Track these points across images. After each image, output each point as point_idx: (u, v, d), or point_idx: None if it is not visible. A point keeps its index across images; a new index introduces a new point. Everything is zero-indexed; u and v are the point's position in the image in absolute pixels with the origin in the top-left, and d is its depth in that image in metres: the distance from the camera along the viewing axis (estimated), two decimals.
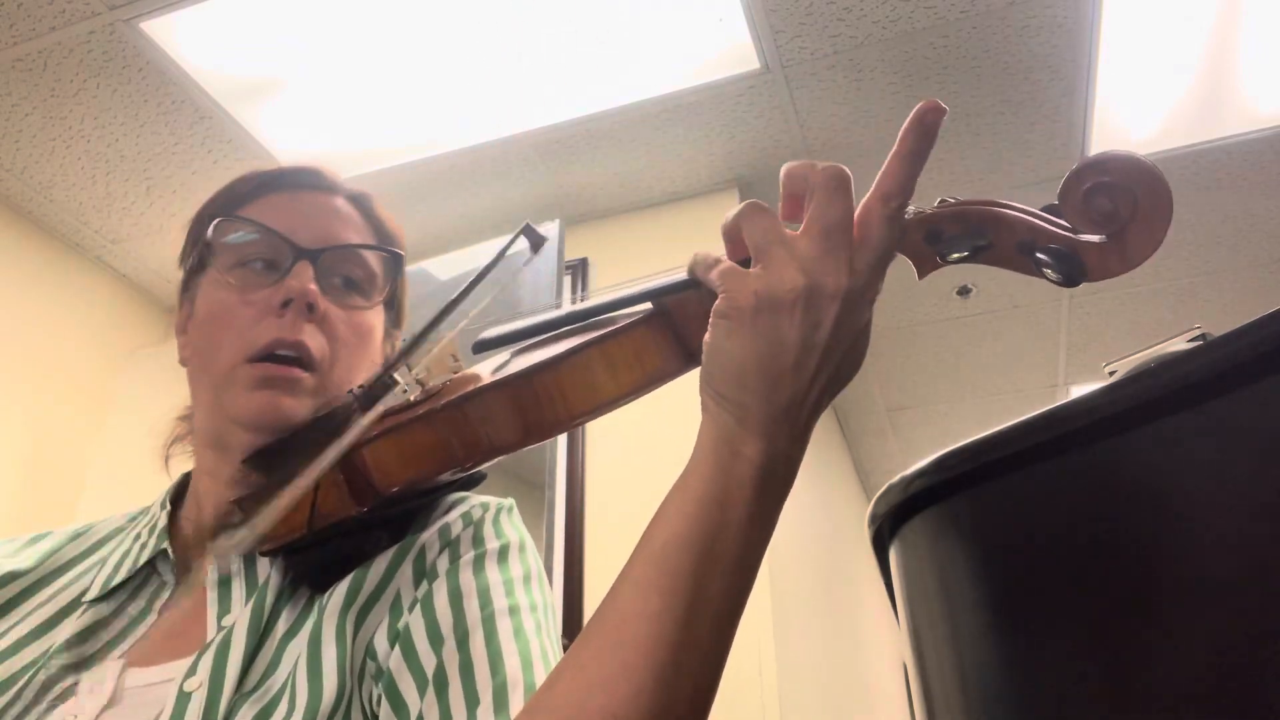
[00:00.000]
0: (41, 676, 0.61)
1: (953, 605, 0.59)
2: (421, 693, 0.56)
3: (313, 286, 0.68)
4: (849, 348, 0.50)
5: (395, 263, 0.76)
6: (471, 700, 0.54)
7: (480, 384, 0.56)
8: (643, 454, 2.14)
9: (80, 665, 0.62)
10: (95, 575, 0.69)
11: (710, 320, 0.50)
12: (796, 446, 0.50)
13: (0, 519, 2.41)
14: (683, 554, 0.47)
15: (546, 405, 0.54)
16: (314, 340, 0.67)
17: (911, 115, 0.49)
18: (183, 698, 0.57)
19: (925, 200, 0.53)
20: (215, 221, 0.72)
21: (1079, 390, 0.68)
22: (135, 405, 2.65)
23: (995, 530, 0.57)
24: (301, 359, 0.67)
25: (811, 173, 0.50)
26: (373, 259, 0.74)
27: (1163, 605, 0.47)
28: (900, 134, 0.49)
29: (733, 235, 0.52)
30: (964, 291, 3.09)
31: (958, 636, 0.58)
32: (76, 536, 0.75)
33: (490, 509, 0.68)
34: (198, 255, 0.73)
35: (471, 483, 0.71)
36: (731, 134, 2.36)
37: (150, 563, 0.69)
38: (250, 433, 0.67)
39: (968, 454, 0.57)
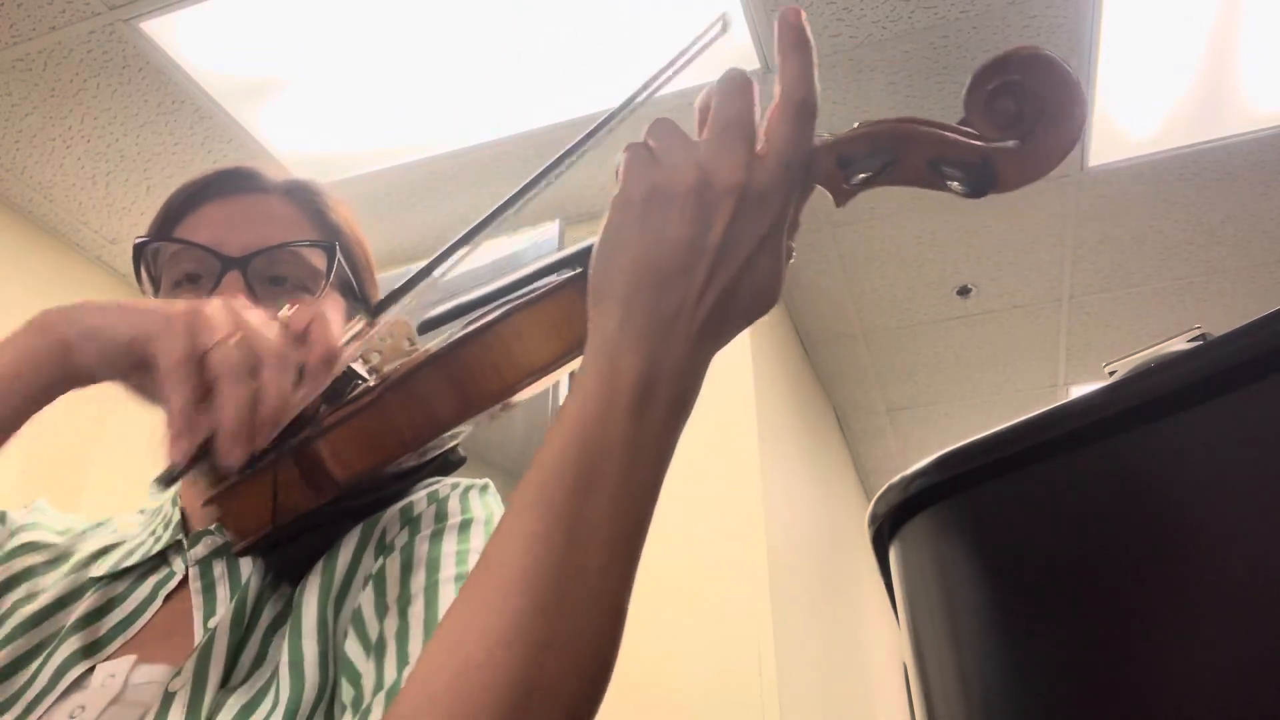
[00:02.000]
0: (56, 660, 0.61)
1: (953, 605, 0.59)
2: (365, 662, 0.56)
3: (240, 298, 0.66)
4: (748, 262, 0.46)
5: (334, 253, 0.73)
6: (403, 662, 0.53)
7: (411, 363, 0.55)
8: None
9: (91, 649, 0.63)
10: (111, 556, 0.71)
11: (608, 212, 0.48)
12: (685, 364, 0.46)
13: None
14: (561, 475, 0.44)
15: (479, 376, 0.53)
16: None
17: (777, 26, 0.49)
18: (167, 697, 0.58)
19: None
20: (139, 247, 0.72)
21: (1079, 390, 0.68)
22: (135, 405, 2.65)
23: (995, 530, 0.57)
24: None
25: (714, 85, 0.49)
26: (310, 254, 0.71)
27: (1163, 605, 0.47)
28: (776, 42, 0.49)
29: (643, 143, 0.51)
30: (964, 291, 3.09)
31: (958, 636, 0.58)
32: (97, 528, 0.77)
33: (460, 487, 0.68)
34: (151, 281, 0.73)
35: (448, 467, 0.70)
36: None
37: (162, 554, 0.70)
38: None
39: (968, 454, 0.57)
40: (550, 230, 2.10)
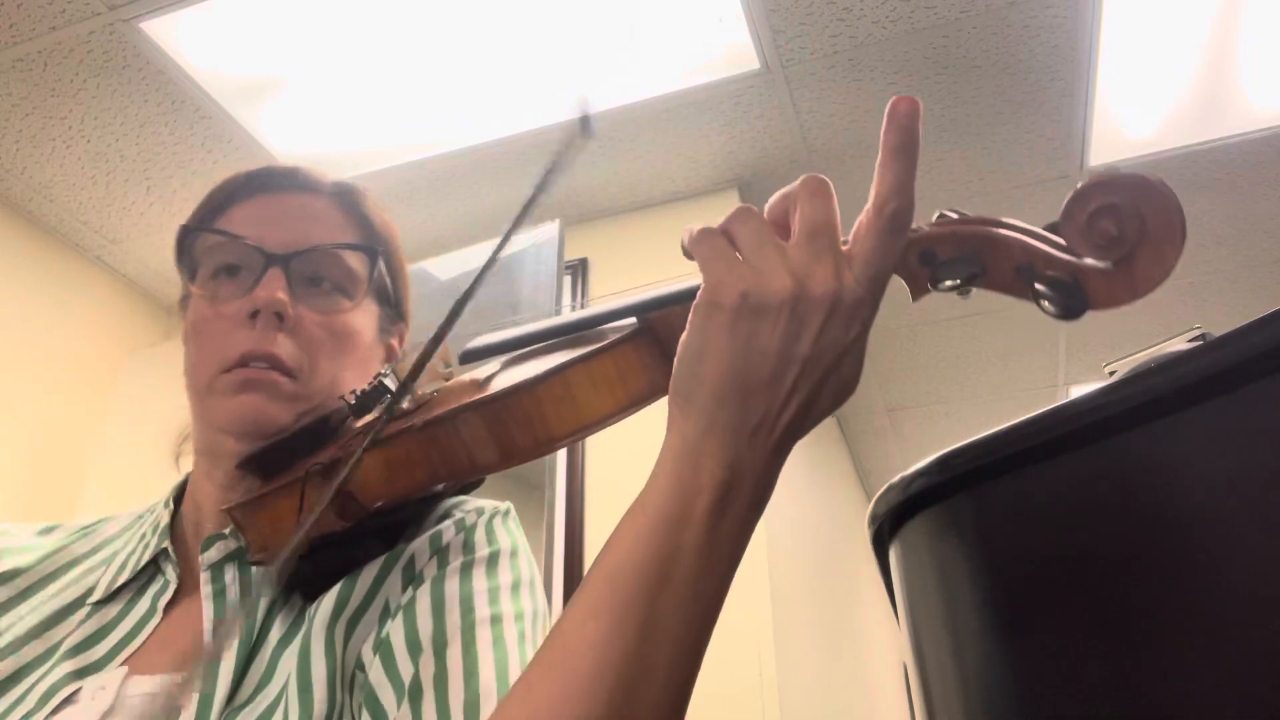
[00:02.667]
0: (47, 682, 0.60)
1: (953, 605, 0.59)
2: (398, 702, 0.55)
3: (280, 295, 0.66)
4: (833, 368, 0.46)
5: (375, 259, 0.73)
6: (443, 713, 0.53)
7: (460, 403, 0.54)
8: (643, 456, 2.13)
9: (84, 672, 0.61)
10: (100, 574, 0.69)
11: (689, 315, 0.47)
12: (766, 468, 0.46)
13: (1, 519, 2.41)
14: (633, 575, 0.44)
15: (526, 427, 0.52)
16: (285, 349, 0.66)
17: (886, 115, 0.47)
18: (172, 711, 0.57)
19: (926, 208, 0.51)
20: (184, 235, 0.71)
21: (1079, 390, 0.68)
22: (135, 405, 2.65)
23: (996, 530, 0.57)
24: (274, 367, 0.66)
25: (786, 189, 0.48)
26: (352, 257, 0.71)
27: (1163, 605, 0.47)
28: (882, 137, 0.47)
29: (716, 236, 0.49)
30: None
31: (958, 637, 0.58)
32: (85, 533, 0.75)
33: (485, 514, 0.67)
34: (186, 268, 0.73)
35: (468, 486, 0.69)
36: (731, 134, 2.36)
37: (154, 561, 0.69)
38: (234, 439, 0.66)
39: (968, 454, 0.56)
40: (550, 230, 2.10)
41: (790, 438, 0.47)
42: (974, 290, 0.49)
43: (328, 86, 2.21)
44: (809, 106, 2.26)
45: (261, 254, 0.68)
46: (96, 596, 0.67)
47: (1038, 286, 0.46)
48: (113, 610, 0.66)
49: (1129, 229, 0.44)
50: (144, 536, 0.71)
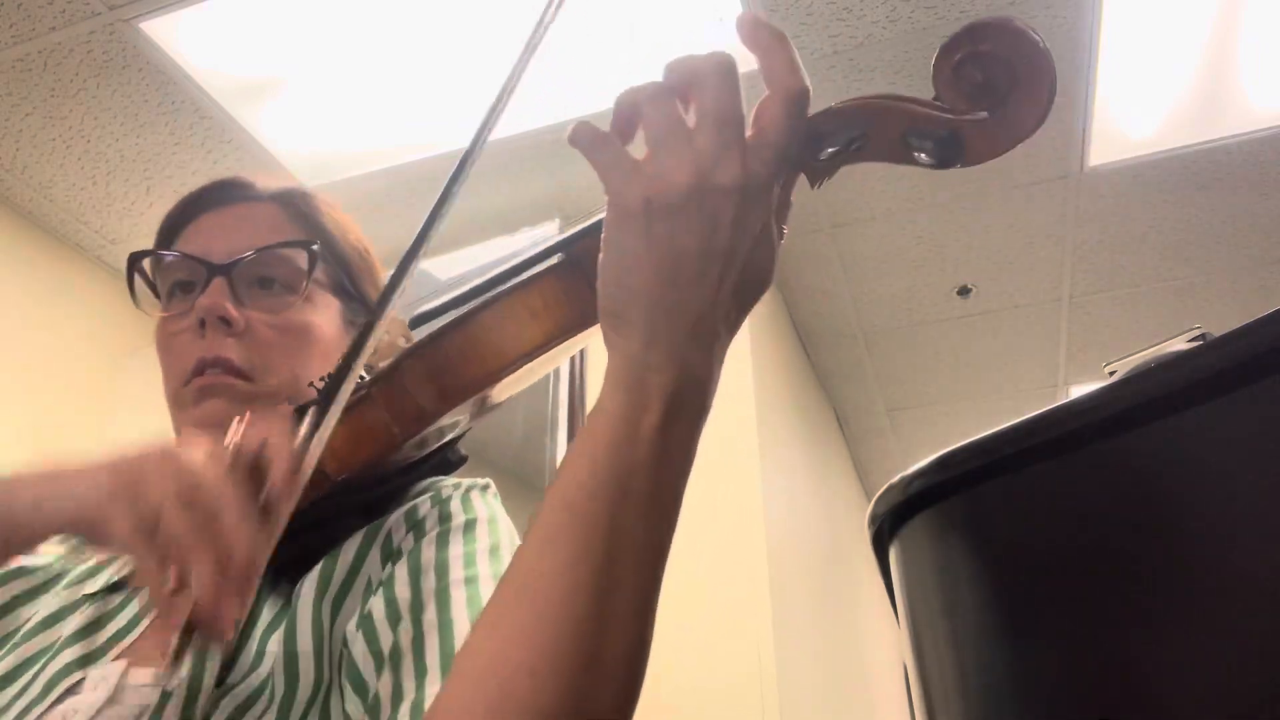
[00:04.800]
0: (50, 671, 0.61)
1: (953, 605, 0.59)
2: (378, 671, 0.55)
3: (220, 300, 0.68)
4: (752, 254, 0.46)
5: (313, 253, 0.74)
6: (420, 670, 0.54)
7: (394, 357, 0.55)
8: None
9: (87, 659, 0.63)
10: (103, 571, 0.70)
11: (604, 226, 0.47)
12: (708, 367, 0.46)
13: None
14: (592, 499, 0.44)
15: (460, 365, 0.53)
16: (235, 352, 0.68)
17: (745, 35, 0.47)
18: (164, 696, 0.58)
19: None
20: (132, 261, 0.74)
21: (1079, 390, 0.68)
22: (135, 405, 2.65)
23: (995, 530, 0.57)
24: (228, 371, 0.68)
25: (692, 63, 0.47)
26: (295, 255, 0.73)
27: (1163, 603, 0.47)
28: (752, 42, 0.47)
29: (627, 115, 0.48)
30: (964, 291, 3.09)
31: (957, 636, 0.58)
32: None
33: (461, 487, 0.68)
34: (148, 289, 0.75)
35: (448, 466, 0.71)
36: None
37: None
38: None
39: (968, 454, 0.57)
40: (550, 230, 2.10)
41: (726, 332, 0.47)
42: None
43: (328, 86, 2.21)
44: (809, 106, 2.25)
45: (204, 266, 0.70)
46: (96, 587, 0.68)
47: (912, 141, 0.47)
48: (114, 600, 0.68)
49: (997, 75, 0.45)
50: None
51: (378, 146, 2.40)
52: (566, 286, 0.52)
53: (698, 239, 0.45)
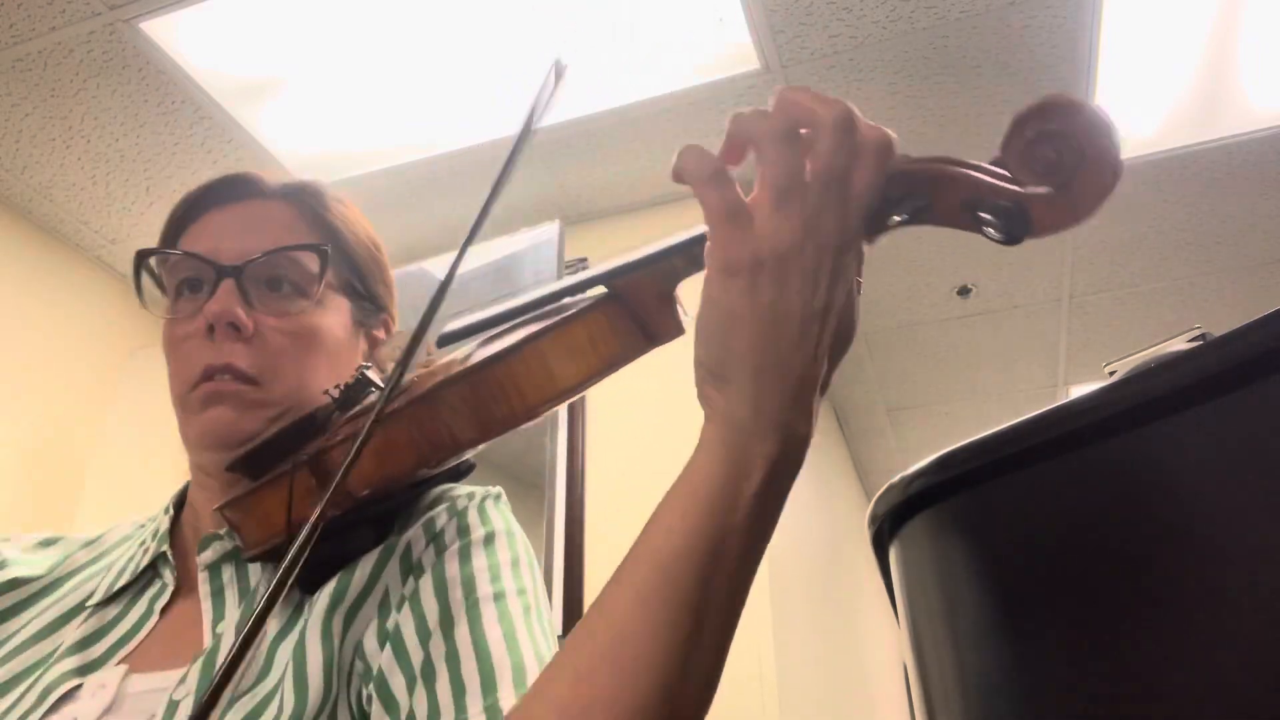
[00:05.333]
0: (46, 679, 0.61)
1: (953, 605, 0.59)
2: (411, 688, 0.55)
3: (232, 306, 0.67)
4: (844, 308, 0.46)
5: (325, 256, 0.72)
6: (458, 689, 0.54)
7: (434, 381, 0.55)
8: (643, 453, 2.14)
9: (85, 669, 0.62)
10: (101, 580, 0.70)
11: (705, 281, 0.46)
12: (808, 428, 0.46)
13: (0, 519, 2.41)
14: (688, 564, 0.44)
15: (501, 398, 0.53)
16: (243, 358, 0.67)
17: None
18: (171, 705, 0.57)
19: None
20: (139, 260, 0.72)
21: (1079, 390, 0.68)
22: (135, 405, 2.65)
23: (995, 530, 0.57)
24: (236, 377, 0.66)
25: (811, 104, 0.45)
26: (305, 257, 0.71)
27: (1163, 604, 0.47)
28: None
29: (741, 144, 0.46)
30: (964, 291, 3.09)
31: (958, 636, 0.58)
32: (88, 544, 0.76)
33: (476, 498, 0.68)
34: (155, 287, 0.74)
35: (458, 474, 0.70)
36: None
37: (152, 565, 0.70)
38: (209, 451, 0.67)
39: (968, 454, 0.57)
40: (550, 230, 2.10)
41: (822, 393, 0.47)
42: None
43: (328, 86, 2.21)
44: None
45: (213, 267, 0.69)
46: (96, 599, 0.68)
47: (981, 215, 0.47)
48: (112, 611, 0.67)
49: (1067, 154, 0.45)
50: (143, 542, 0.72)
51: (378, 146, 2.40)
52: (611, 323, 0.52)
53: (801, 299, 0.44)
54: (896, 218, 0.48)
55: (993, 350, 3.49)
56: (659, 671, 0.43)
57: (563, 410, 2.05)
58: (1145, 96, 2.32)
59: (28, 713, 0.59)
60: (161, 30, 2.03)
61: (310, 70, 2.17)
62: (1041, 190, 0.46)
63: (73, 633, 0.65)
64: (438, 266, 2.13)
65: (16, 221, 2.58)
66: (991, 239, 0.47)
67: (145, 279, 0.73)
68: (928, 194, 0.48)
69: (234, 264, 0.68)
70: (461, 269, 0.55)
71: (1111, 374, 0.55)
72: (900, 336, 3.38)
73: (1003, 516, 0.56)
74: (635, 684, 0.43)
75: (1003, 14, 2.03)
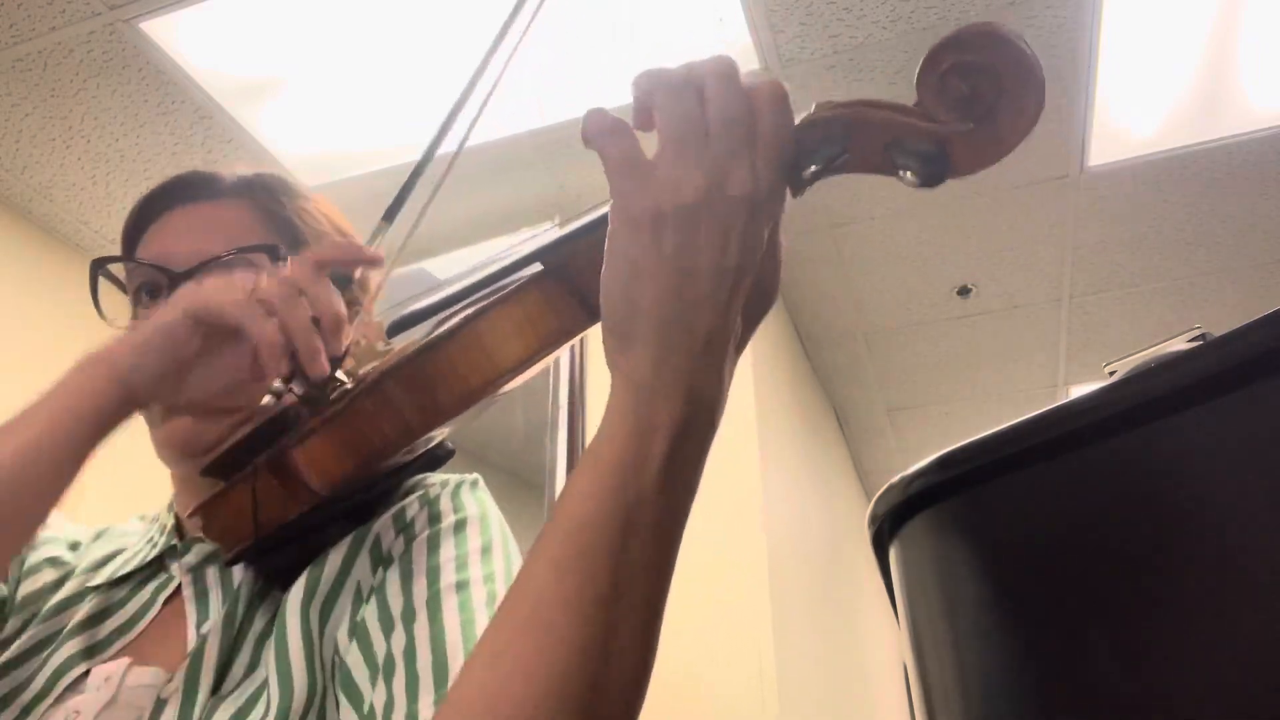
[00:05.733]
0: (54, 663, 0.61)
1: (953, 605, 0.59)
2: (372, 682, 0.55)
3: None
4: (760, 269, 0.44)
5: (275, 256, 0.70)
6: (413, 682, 0.53)
7: (376, 372, 0.55)
8: None
9: (91, 652, 0.63)
10: (108, 567, 0.71)
11: (609, 236, 0.44)
12: (717, 389, 0.44)
13: None
14: (600, 529, 0.42)
15: (442, 383, 0.52)
16: None
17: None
18: (159, 704, 0.58)
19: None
20: (92, 271, 0.72)
21: (1079, 390, 0.68)
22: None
23: (996, 530, 0.57)
24: None
25: (699, 64, 0.43)
26: (257, 258, 0.70)
27: (1163, 604, 0.47)
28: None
29: (645, 104, 0.44)
30: (964, 291, 3.09)
31: (958, 637, 0.58)
32: (97, 537, 0.77)
33: (450, 484, 0.67)
34: (126, 296, 0.73)
35: (436, 461, 0.69)
36: None
37: (159, 558, 0.70)
38: (173, 462, 0.68)
39: (968, 454, 0.57)
40: (550, 231, 2.10)
41: (736, 352, 0.45)
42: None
43: (328, 86, 2.21)
44: (809, 106, 2.25)
45: (165, 272, 0.68)
46: (100, 580, 0.69)
47: (898, 158, 0.45)
48: (118, 594, 0.68)
49: (984, 85, 0.43)
50: (151, 538, 0.73)
51: (378, 146, 2.40)
52: (550, 297, 0.51)
53: (709, 253, 0.42)
54: (813, 167, 0.46)
55: (993, 350, 3.49)
56: (576, 641, 0.41)
57: (562, 409, 2.05)
58: (1145, 96, 2.32)
59: (38, 697, 0.59)
60: (161, 30, 2.03)
61: (310, 70, 2.17)
62: (961, 127, 0.44)
63: (80, 612, 0.66)
64: (438, 266, 2.13)
65: (16, 221, 2.58)
66: (908, 183, 0.45)
67: (110, 291, 0.72)
68: (843, 139, 0.46)
69: (184, 269, 0.68)
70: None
71: (1111, 374, 0.55)
72: (900, 336, 3.38)
73: (1003, 516, 0.56)
74: (552, 654, 0.41)
75: (1002, 14, 2.03)
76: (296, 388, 0.59)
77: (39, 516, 0.57)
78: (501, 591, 0.59)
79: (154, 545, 0.71)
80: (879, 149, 0.45)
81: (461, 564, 0.60)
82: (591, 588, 0.42)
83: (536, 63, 2.15)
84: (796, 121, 0.46)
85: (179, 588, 0.68)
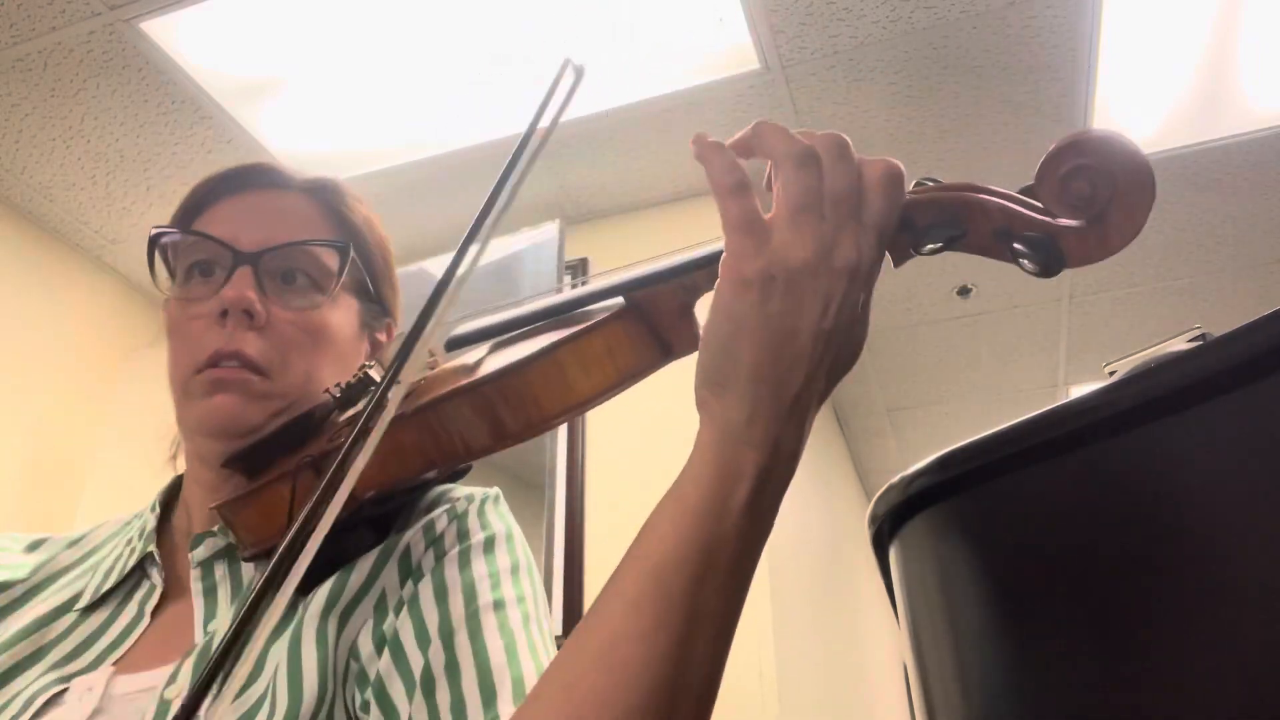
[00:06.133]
0: (31, 688, 0.60)
1: (953, 605, 0.59)
2: (410, 696, 0.55)
3: (249, 294, 0.66)
4: (849, 333, 0.47)
5: (347, 254, 0.72)
6: (458, 702, 0.53)
7: (449, 388, 0.54)
8: (643, 453, 2.14)
9: (71, 676, 0.61)
10: (88, 581, 0.69)
11: (716, 290, 0.46)
12: (800, 443, 0.47)
13: (0, 519, 2.41)
14: (678, 570, 0.44)
15: (518, 408, 0.52)
16: (255, 347, 0.66)
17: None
18: (163, 705, 0.57)
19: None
20: (157, 237, 0.71)
21: (1079, 390, 0.68)
22: (135, 405, 2.65)
23: (995, 530, 0.57)
24: (245, 365, 0.66)
25: (802, 139, 0.46)
26: (324, 253, 0.71)
27: (1163, 605, 0.47)
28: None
29: (752, 150, 0.48)
30: (964, 291, 3.09)
31: (958, 637, 0.58)
32: (73, 543, 0.75)
33: (475, 500, 0.67)
34: (165, 270, 0.72)
35: (456, 474, 0.69)
36: (731, 134, 2.35)
37: (139, 566, 0.69)
38: (210, 439, 0.67)
39: (968, 454, 0.56)
40: (550, 230, 2.10)
41: (818, 407, 0.48)
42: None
43: (328, 86, 2.21)
44: (809, 106, 2.25)
45: (231, 252, 0.68)
46: (83, 603, 0.66)
47: (1016, 246, 0.47)
48: (99, 617, 0.66)
49: (1101, 188, 0.46)
50: (130, 542, 0.71)
51: (378, 146, 2.40)
52: (631, 335, 0.51)
53: (810, 319, 0.45)
54: (931, 245, 0.49)
55: (993, 350, 3.49)
56: (650, 677, 0.43)
57: None
58: (1145, 96, 2.32)
59: (14, 717, 0.58)
60: (161, 30, 2.03)
61: (310, 70, 2.17)
62: (1074, 223, 0.46)
63: (60, 638, 0.64)
64: (438, 266, 2.13)
65: (16, 221, 2.58)
66: (1028, 270, 0.48)
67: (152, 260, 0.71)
68: (962, 224, 0.48)
69: (252, 251, 0.68)
70: (459, 269, 0.54)
71: (1111, 374, 0.55)
72: (900, 336, 3.38)
73: (1003, 516, 0.56)
74: (626, 688, 0.43)
75: (1003, 14, 2.03)
76: (334, 389, 0.60)
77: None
78: (534, 612, 0.61)
79: (132, 550, 0.69)
80: (990, 233, 0.48)
81: (495, 582, 0.60)
82: (667, 626, 0.43)
83: (537, 63, 2.15)
84: (913, 197, 0.49)
85: (166, 594, 0.67)
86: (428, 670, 0.55)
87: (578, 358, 0.52)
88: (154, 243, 0.71)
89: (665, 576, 0.44)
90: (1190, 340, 0.54)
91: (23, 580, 0.70)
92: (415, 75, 2.18)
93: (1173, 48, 2.17)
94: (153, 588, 0.67)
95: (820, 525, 3.21)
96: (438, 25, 2.05)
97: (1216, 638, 0.44)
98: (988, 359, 3.55)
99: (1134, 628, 0.47)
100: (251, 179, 0.73)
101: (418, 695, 0.55)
